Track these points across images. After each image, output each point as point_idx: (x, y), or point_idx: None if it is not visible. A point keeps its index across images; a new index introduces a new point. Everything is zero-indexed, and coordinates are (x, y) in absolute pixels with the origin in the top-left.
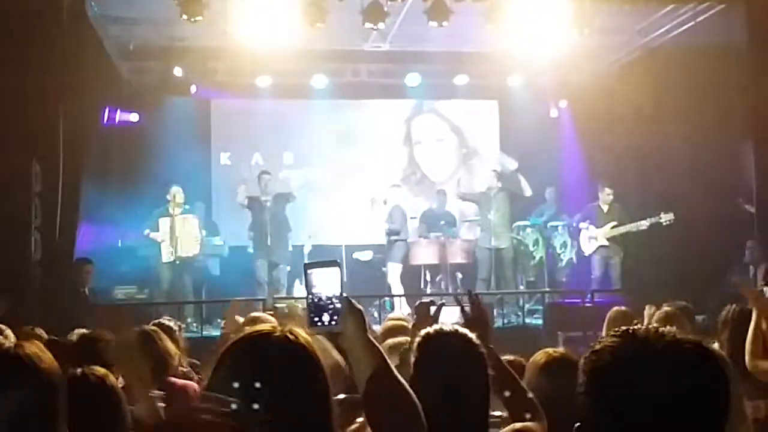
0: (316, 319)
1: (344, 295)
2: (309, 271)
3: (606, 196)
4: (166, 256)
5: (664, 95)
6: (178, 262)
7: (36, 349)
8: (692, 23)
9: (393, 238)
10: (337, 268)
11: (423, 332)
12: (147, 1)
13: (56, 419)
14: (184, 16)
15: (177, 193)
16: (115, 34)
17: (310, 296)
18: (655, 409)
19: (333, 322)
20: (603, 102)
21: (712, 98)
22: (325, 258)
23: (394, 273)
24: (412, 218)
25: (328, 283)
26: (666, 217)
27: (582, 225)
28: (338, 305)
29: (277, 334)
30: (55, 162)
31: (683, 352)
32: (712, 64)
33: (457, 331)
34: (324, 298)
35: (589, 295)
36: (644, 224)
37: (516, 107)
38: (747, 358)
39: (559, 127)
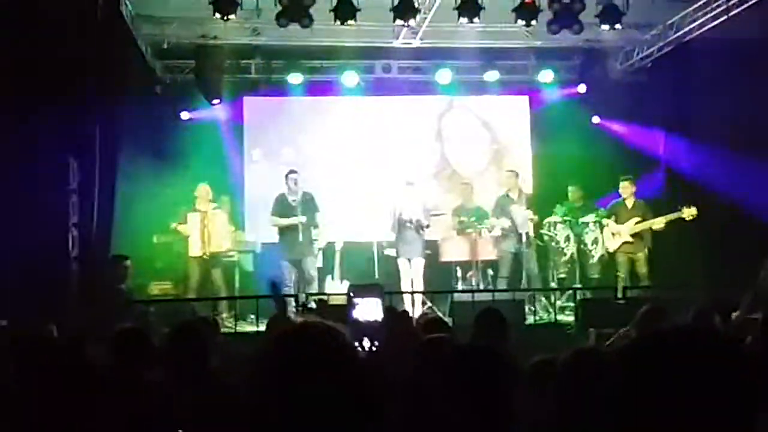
0: (356, 344)
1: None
2: (354, 298)
3: (625, 190)
4: (194, 251)
5: (696, 89)
6: (206, 257)
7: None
8: (725, 17)
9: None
10: (379, 299)
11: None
12: (180, 0)
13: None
14: (217, 15)
15: (204, 189)
16: (150, 33)
17: (352, 320)
18: (682, 402)
19: (374, 348)
20: (635, 96)
21: (744, 92)
22: (360, 259)
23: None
24: (439, 215)
25: (370, 310)
26: (689, 212)
27: (606, 221)
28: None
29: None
30: (91, 158)
31: (708, 346)
32: (745, 59)
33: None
34: (365, 322)
35: (621, 292)
36: (667, 219)
37: (547, 103)
38: None
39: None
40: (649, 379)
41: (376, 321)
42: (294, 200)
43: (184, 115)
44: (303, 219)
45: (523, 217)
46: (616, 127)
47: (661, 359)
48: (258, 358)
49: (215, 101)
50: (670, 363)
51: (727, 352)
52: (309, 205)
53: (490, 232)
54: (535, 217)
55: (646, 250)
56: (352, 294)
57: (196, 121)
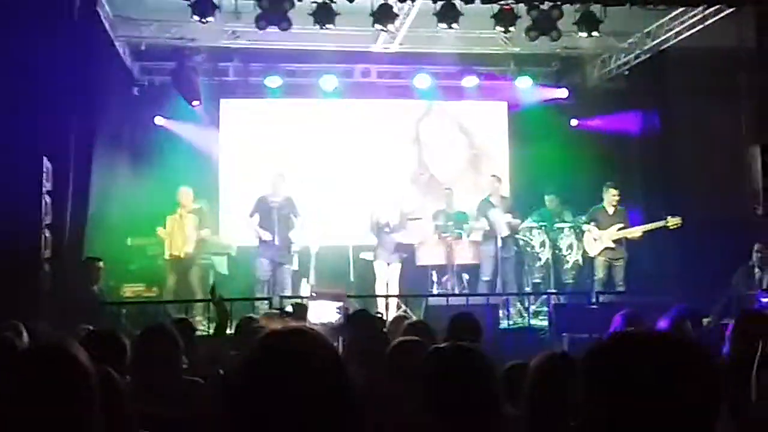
0: None
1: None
2: (313, 301)
3: (611, 197)
4: (167, 254)
5: (672, 98)
6: (172, 260)
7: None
8: (701, 26)
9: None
10: (336, 303)
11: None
12: (158, 1)
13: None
14: (195, 17)
15: (184, 193)
16: (127, 34)
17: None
18: (642, 397)
19: None
20: (612, 104)
21: (719, 101)
22: (333, 259)
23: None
24: (417, 219)
25: (325, 313)
26: (673, 221)
27: (586, 227)
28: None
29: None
30: (65, 160)
31: (667, 348)
32: (721, 68)
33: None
34: (318, 325)
35: (594, 297)
36: (651, 227)
37: (524, 109)
38: None
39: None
40: (607, 381)
41: (330, 324)
42: (274, 202)
43: (158, 120)
44: (276, 242)
45: (503, 221)
46: (596, 122)
47: (618, 362)
48: (239, 360)
49: (195, 103)
50: (628, 365)
51: (688, 355)
52: (286, 209)
53: (468, 236)
54: (517, 221)
55: (626, 255)
56: (312, 295)
57: (172, 124)
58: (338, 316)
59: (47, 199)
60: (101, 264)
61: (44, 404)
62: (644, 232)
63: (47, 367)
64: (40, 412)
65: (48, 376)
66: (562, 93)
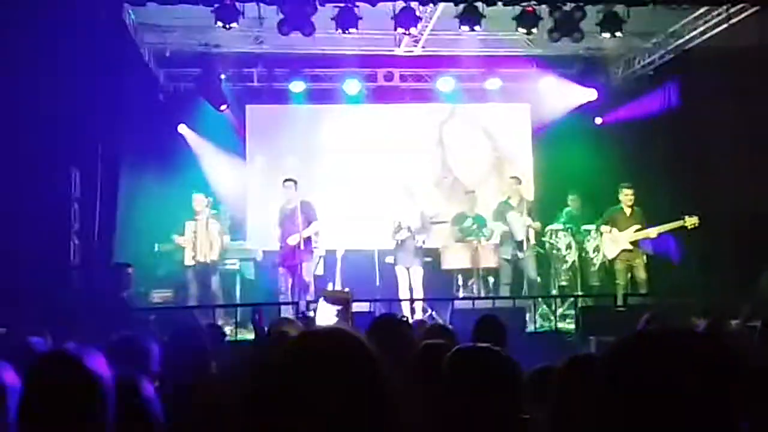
0: None
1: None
2: (321, 303)
3: (626, 198)
4: (188, 260)
5: (697, 98)
6: (197, 266)
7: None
8: (725, 25)
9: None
10: (338, 306)
11: None
12: (183, 8)
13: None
14: (219, 23)
15: (198, 199)
16: (152, 41)
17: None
18: (665, 398)
19: None
20: (636, 104)
21: (744, 100)
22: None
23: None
24: (440, 222)
25: (327, 316)
26: (691, 221)
27: (604, 228)
28: None
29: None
30: (93, 167)
31: (686, 346)
32: (745, 66)
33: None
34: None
35: (621, 300)
36: (668, 228)
37: (548, 111)
38: None
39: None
40: (625, 380)
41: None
42: (288, 209)
43: (181, 129)
44: (295, 248)
45: (520, 223)
46: (621, 113)
47: (636, 360)
48: (271, 364)
49: (222, 107)
50: (645, 364)
51: (707, 353)
52: (301, 215)
53: (488, 240)
54: (537, 224)
55: (644, 257)
56: (322, 298)
57: (193, 137)
58: (336, 318)
59: (76, 206)
60: (131, 270)
61: (51, 410)
62: (661, 233)
63: (55, 374)
64: (47, 417)
65: (54, 383)
66: (591, 94)
